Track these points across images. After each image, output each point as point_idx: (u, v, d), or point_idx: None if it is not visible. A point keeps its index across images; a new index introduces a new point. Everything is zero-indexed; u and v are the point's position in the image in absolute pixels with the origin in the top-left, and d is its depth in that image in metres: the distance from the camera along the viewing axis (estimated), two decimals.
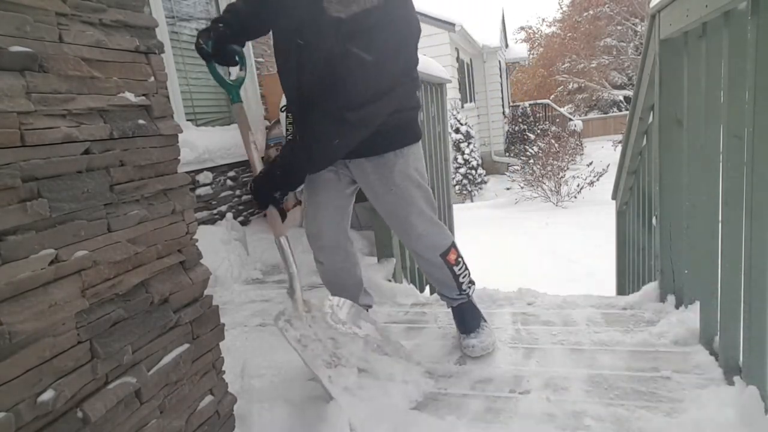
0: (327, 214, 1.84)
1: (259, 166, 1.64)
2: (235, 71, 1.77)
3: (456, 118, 11.20)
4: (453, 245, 1.83)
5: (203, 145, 3.36)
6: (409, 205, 1.71)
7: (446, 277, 1.84)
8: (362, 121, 1.49)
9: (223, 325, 1.36)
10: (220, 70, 1.71)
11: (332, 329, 1.62)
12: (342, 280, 1.98)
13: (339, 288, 1.98)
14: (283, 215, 1.59)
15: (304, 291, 2.79)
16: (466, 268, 1.88)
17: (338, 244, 1.89)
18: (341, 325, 1.65)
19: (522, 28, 24.28)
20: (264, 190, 1.58)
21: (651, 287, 2.13)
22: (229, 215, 3.56)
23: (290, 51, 1.56)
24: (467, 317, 1.89)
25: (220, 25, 1.65)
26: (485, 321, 1.91)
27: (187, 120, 3.44)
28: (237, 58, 1.70)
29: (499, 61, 15.72)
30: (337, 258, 1.91)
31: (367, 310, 2.04)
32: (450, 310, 1.97)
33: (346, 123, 1.45)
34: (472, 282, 1.92)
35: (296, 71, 1.56)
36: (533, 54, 23.10)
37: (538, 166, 10.30)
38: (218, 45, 1.64)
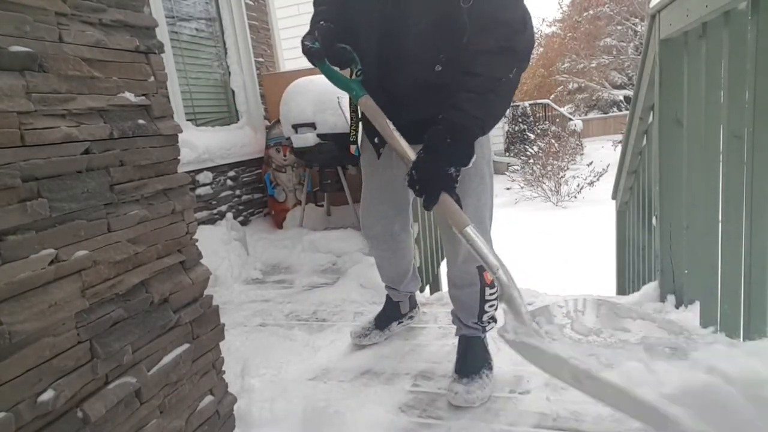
0: (389, 203, 1.71)
1: (411, 155, 1.32)
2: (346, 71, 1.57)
3: None
4: None
5: (203, 145, 3.36)
6: (466, 197, 1.43)
7: (472, 297, 1.61)
8: (527, 49, 1.31)
9: (223, 325, 1.36)
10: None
11: (586, 344, 1.12)
12: (388, 266, 1.92)
13: (385, 273, 1.94)
14: (460, 203, 1.27)
15: (305, 291, 2.81)
16: (497, 299, 1.61)
17: (392, 235, 1.78)
18: (596, 336, 1.15)
19: None
20: (435, 168, 1.26)
21: (651, 287, 2.13)
22: (229, 215, 3.56)
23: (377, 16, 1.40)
24: (470, 355, 1.64)
25: (321, 22, 1.46)
26: (490, 371, 1.62)
27: (187, 120, 3.44)
28: (350, 55, 1.47)
29: None
30: (387, 247, 1.81)
31: (410, 297, 2.05)
32: (457, 337, 1.73)
33: (516, 52, 1.28)
34: (494, 319, 1.68)
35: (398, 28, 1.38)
36: (533, 54, 23.10)
37: (538, 166, 10.31)
38: (327, 42, 1.44)
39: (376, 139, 1.58)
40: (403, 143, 1.34)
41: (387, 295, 2.05)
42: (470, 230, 1.22)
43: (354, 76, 1.47)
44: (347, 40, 1.46)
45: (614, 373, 0.94)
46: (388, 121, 1.38)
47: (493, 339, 1.72)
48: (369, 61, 1.47)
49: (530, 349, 1.09)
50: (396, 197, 1.71)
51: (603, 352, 1.05)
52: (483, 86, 1.28)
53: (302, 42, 1.47)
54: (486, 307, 1.62)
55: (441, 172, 1.25)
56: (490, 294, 1.60)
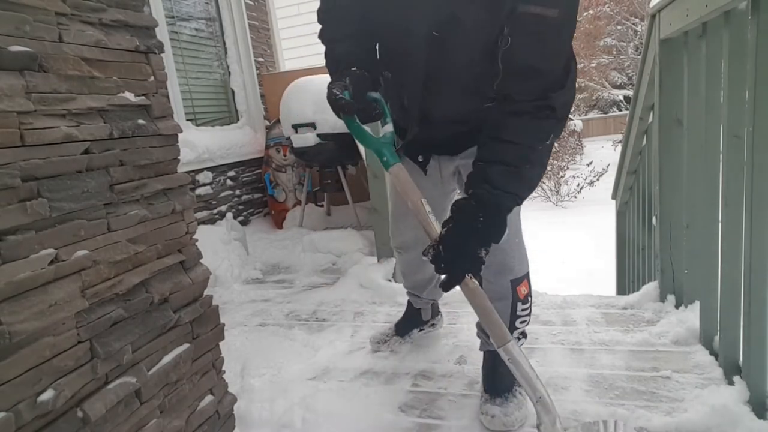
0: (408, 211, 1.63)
1: (437, 229, 1.18)
2: (376, 127, 1.40)
3: None
4: (528, 277, 1.49)
5: (203, 144, 3.36)
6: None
7: (503, 311, 1.44)
8: (566, 105, 1.16)
9: (223, 325, 1.36)
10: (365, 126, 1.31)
11: None
12: (413, 273, 1.85)
13: (408, 279, 1.89)
14: (480, 280, 1.17)
15: (305, 291, 2.81)
16: (530, 314, 1.52)
17: (421, 241, 1.53)
18: None
19: None
20: (465, 251, 1.12)
21: (651, 287, 2.13)
22: (229, 215, 3.56)
23: (418, 46, 1.22)
24: (500, 373, 1.46)
25: (354, 68, 1.25)
26: (520, 386, 1.45)
27: (187, 120, 3.44)
28: (380, 108, 1.29)
29: None
30: (414, 254, 1.70)
31: (433, 304, 1.97)
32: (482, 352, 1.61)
33: (555, 111, 1.11)
34: (524, 335, 1.57)
35: (426, 66, 1.24)
36: None
37: None
38: (360, 95, 1.24)
39: (420, 158, 1.50)
40: (433, 224, 1.19)
41: (408, 302, 1.98)
42: (512, 347, 1.12)
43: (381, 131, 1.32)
44: (376, 84, 1.33)
45: None
46: (422, 200, 1.22)
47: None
48: (406, 100, 1.36)
49: None
50: (435, 212, 1.54)
51: None
52: (517, 157, 1.13)
53: (330, 89, 1.24)
54: (517, 323, 1.49)
55: (471, 252, 1.11)
56: (522, 309, 1.47)
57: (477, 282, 1.14)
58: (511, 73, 1.12)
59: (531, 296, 1.50)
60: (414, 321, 1.96)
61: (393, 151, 1.27)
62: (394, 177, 1.26)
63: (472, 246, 1.11)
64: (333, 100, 1.23)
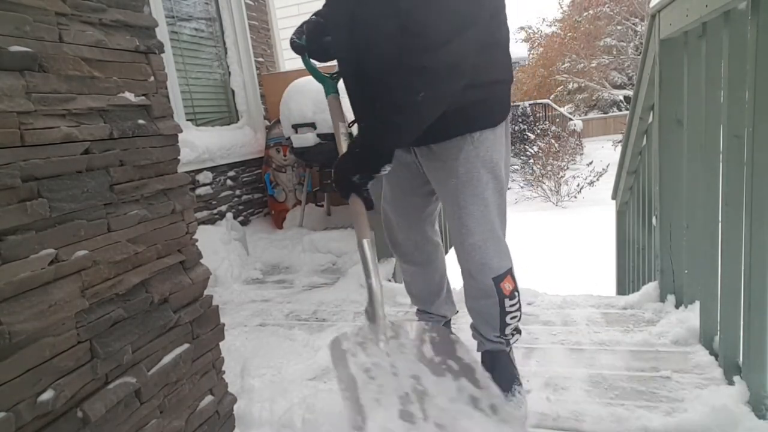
0: (400, 212, 1.62)
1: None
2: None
3: None
4: (511, 272, 1.47)
5: (203, 144, 3.36)
6: (469, 204, 1.38)
7: (491, 309, 1.46)
8: (448, 66, 1.15)
9: (223, 325, 1.36)
10: (316, 64, 1.57)
11: (419, 364, 1.19)
12: (417, 283, 1.76)
13: (414, 292, 1.79)
14: (369, 205, 1.29)
15: (305, 291, 2.81)
16: (520, 309, 1.50)
17: (415, 245, 1.66)
18: (432, 360, 1.21)
19: (522, 28, 24.29)
20: (342, 172, 1.28)
21: (651, 287, 2.13)
22: (229, 215, 3.56)
23: (340, 13, 1.34)
24: (497, 373, 1.43)
25: (313, 16, 1.51)
26: (521, 386, 1.50)
27: (187, 120, 3.44)
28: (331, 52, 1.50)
29: None
30: (412, 260, 1.69)
31: (446, 323, 1.84)
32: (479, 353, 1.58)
33: (426, 70, 1.13)
34: (518, 330, 1.56)
35: (348, 29, 1.32)
36: (533, 54, 23.13)
37: (538, 166, 10.31)
38: (312, 36, 1.48)
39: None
40: (344, 145, 1.38)
41: (418, 320, 1.84)
42: (366, 243, 1.27)
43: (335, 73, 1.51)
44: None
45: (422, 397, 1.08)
46: (340, 123, 1.42)
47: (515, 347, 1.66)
48: (342, 56, 1.43)
49: (340, 360, 1.18)
50: (406, 204, 1.62)
51: (425, 376, 1.13)
52: (383, 113, 1.20)
53: (292, 35, 1.51)
54: (507, 319, 1.48)
55: (347, 177, 1.26)
56: (511, 305, 1.46)
57: (361, 200, 1.28)
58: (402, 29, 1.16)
59: (518, 291, 1.48)
60: None
61: (332, 84, 1.50)
62: (329, 103, 1.49)
63: (349, 172, 1.26)
64: (291, 44, 1.52)
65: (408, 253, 1.69)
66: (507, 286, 1.44)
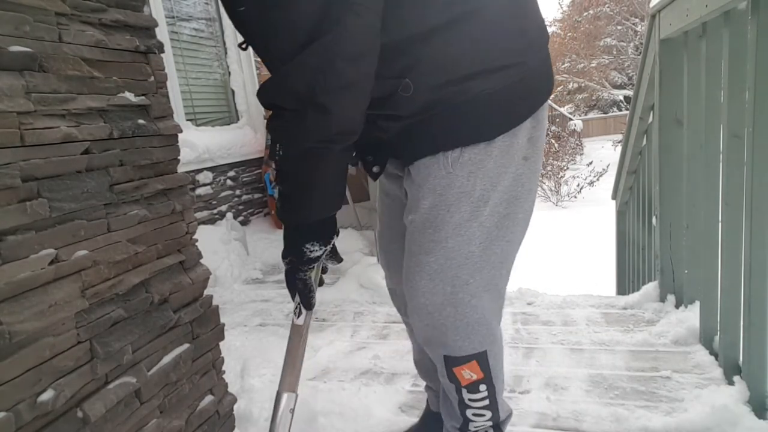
0: (391, 257, 1.21)
1: None
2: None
3: None
4: (480, 358, 1.01)
5: (203, 144, 3.36)
6: (423, 253, 0.96)
7: (450, 392, 1.08)
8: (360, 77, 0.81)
9: (223, 325, 1.36)
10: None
11: None
12: (414, 347, 1.34)
13: (415, 358, 1.36)
14: (308, 301, 0.98)
15: None
16: (493, 408, 1.07)
17: (393, 292, 1.28)
18: None
19: None
20: (287, 245, 0.95)
21: (651, 287, 2.13)
22: (229, 215, 3.56)
23: None
24: None
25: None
26: None
27: (187, 120, 3.44)
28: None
29: None
30: (400, 311, 1.29)
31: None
32: None
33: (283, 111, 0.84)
34: (497, 430, 1.12)
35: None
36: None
37: None
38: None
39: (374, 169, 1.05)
40: None
41: (426, 401, 1.40)
42: (285, 400, 0.99)
43: None
44: None
45: None
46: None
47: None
48: None
49: None
50: (397, 248, 1.15)
51: None
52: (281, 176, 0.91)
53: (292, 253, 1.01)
54: (469, 414, 1.07)
55: (294, 249, 0.94)
56: (472, 400, 1.05)
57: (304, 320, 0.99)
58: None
59: (491, 385, 1.04)
60: (435, 429, 1.27)
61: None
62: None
63: (283, 255, 0.97)
64: (294, 260, 0.98)
65: (401, 306, 1.26)
66: (466, 374, 1.01)
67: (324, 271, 1.03)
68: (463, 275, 0.95)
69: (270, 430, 1.00)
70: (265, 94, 0.83)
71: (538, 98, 0.94)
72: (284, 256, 0.95)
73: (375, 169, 1.03)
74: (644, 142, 2.48)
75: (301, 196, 0.89)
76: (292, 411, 1.00)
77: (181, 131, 1.24)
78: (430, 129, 0.91)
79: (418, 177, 0.94)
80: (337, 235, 0.99)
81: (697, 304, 1.75)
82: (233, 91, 4.02)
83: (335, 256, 1.03)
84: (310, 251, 0.92)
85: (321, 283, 1.04)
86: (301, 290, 0.97)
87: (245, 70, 4.09)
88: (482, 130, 0.90)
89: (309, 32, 0.75)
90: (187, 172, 1.63)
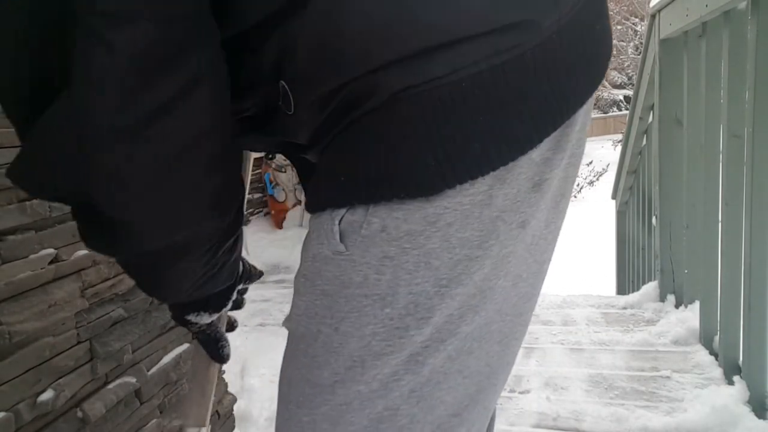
0: None
1: None
2: None
3: None
4: None
5: None
6: (288, 399, 0.49)
7: None
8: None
9: None
10: None
11: None
12: None
13: None
14: (215, 357, 0.70)
15: None
16: None
17: None
18: None
19: None
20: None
21: (651, 287, 2.13)
22: None
23: None
24: None
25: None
26: None
27: None
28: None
29: None
30: None
31: None
32: None
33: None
34: None
35: None
36: None
37: None
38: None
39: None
40: None
41: None
42: None
43: None
44: None
45: None
46: None
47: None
48: None
49: None
50: None
51: None
52: None
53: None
54: None
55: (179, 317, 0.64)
56: None
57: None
58: None
59: None
60: None
61: None
62: None
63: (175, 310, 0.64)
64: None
65: None
66: None
67: (237, 306, 0.73)
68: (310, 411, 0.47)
69: None
70: (19, 179, 0.44)
71: (568, 95, 0.43)
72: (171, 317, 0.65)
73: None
74: (644, 142, 2.48)
75: (155, 292, 0.55)
76: None
77: None
78: (331, 163, 0.46)
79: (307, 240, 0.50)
80: (247, 280, 0.72)
81: (697, 304, 1.75)
82: None
83: (250, 279, 0.74)
84: (197, 320, 0.62)
85: (232, 328, 0.76)
86: (204, 343, 0.68)
87: None
88: (407, 174, 0.40)
89: (38, 82, 0.41)
90: None
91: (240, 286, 0.68)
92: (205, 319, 0.62)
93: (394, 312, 0.42)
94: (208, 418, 0.73)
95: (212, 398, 0.74)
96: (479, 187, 0.41)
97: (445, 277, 0.42)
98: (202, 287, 0.52)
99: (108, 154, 0.37)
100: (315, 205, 0.46)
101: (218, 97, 0.40)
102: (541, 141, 0.41)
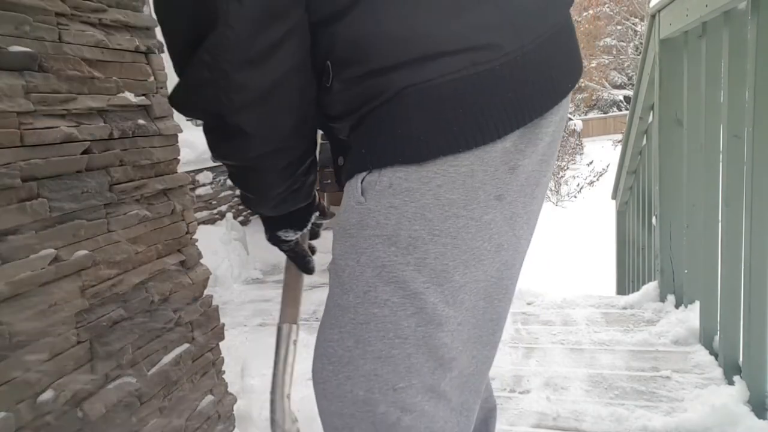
0: None
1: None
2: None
3: None
4: None
5: (203, 144, 3.35)
6: (324, 325, 0.72)
7: None
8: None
9: (223, 325, 1.36)
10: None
11: None
12: None
13: None
14: (304, 268, 0.88)
15: (304, 291, 2.79)
16: None
17: None
18: None
19: None
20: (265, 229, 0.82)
21: (651, 287, 2.13)
22: (229, 215, 3.56)
23: None
24: None
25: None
26: None
27: (187, 120, 3.44)
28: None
29: None
30: None
31: None
32: None
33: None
34: None
35: None
36: None
37: None
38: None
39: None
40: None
41: None
42: (285, 331, 0.94)
43: None
44: None
45: None
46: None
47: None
48: None
49: None
50: None
51: None
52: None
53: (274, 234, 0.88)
54: None
55: (270, 232, 0.82)
56: None
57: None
58: None
59: None
60: None
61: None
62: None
63: (266, 224, 0.82)
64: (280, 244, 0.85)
65: None
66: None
67: (315, 236, 0.95)
68: (385, 373, 0.60)
69: (274, 364, 0.95)
70: (176, 103, 0.64)
71: (529, 102, 0.58)
72: (266, 237, 0.85)
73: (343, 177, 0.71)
74: (644, 141, 2.48)
75: (253, 199, 0.72)
76: (295, 342, 0.97)
77: (181, 131, 1.24)
78: (357, 140, 0.63)
79: (342, 210, 0.65)
80: (321, 215, 0.89)
81: (697, 304, 1.75)
82: None
83: (324, 215, 0.91)
84: (285, 236, 0.82)
85: (313, 252, 0.95)
86: (294, 259, 0.87)
87: None
88: (405, 146, 0.57)
89: (193, 28, 0.55)
90: (187, 172, 1.63)
91: (315, 219, 0.86)
92: (291, 235, 0.81)
93: (398, 250, 0.58)
94: (299, 318, 0.95)
95: (301, 302, 0.94)
96: (462, 161, 0.57)
97: (438, 228, 0.57)
98: (286, 200, 0.72)
99: (239, 74, 0.54)
100: (349, 173, 0.63)
101: (304, 46, 0.59)
102: (506, 134, 0.57)
